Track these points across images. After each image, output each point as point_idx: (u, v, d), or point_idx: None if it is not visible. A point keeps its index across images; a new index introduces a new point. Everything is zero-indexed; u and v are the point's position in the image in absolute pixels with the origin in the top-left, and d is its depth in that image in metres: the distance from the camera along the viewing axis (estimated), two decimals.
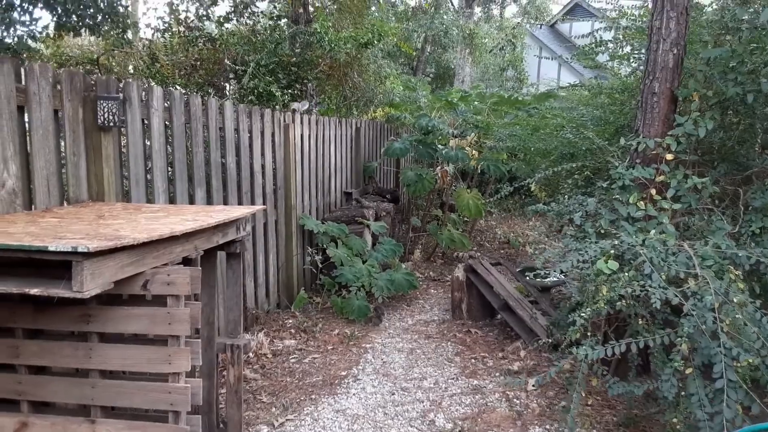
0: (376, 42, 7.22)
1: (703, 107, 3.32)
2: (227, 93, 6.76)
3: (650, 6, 3.88)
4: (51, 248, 1.80)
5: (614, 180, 3.10)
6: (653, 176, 3.09)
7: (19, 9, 4.31)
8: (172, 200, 3.99)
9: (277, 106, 6.97)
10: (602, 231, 3.12)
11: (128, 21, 5.44)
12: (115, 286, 2.02)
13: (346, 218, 6.99)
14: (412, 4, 23.79)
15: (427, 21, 22.57)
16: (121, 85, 3.41)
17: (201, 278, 2.38)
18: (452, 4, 23.05)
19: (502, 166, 7.79)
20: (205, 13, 6.64)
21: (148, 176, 3.73)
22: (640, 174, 3.08)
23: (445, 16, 24.24)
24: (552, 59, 21.35)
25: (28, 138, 2.79)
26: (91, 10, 5.14)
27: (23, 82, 2.74)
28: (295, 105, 6.54)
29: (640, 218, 3.07)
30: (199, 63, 7.27)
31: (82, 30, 5.12)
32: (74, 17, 4.85)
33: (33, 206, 2.84)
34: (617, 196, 3.13)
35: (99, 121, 3.11)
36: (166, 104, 3.88)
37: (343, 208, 7.54)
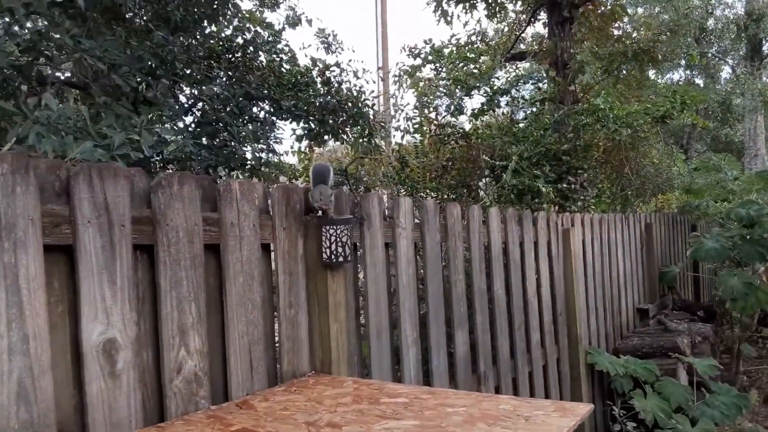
0: (676, 114, 5.54)
1: None
2: (484, 194, 5.67)
3: None
4: None
5: None
6: None
7: (260, 123, 3.88)
8: (425, 356, 2.82)
9: (544, 205, 5.63)
10: None
11: (374, 124, 4.82)
12: None
13: (649, 349, 5.11)
14: (676, 78, 21.14)
15: (697, 93, 19.55)
16: (356, 200, 2.44)
17: None
18: (731, 68, 19.75)
19: None
20: (457, 107, 5.80)
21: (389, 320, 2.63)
22: None
23: (717, 86, 20.96)
24: None
25: (222, 290, 1.87)
26: (336, 114, 4.57)
27: (221, 208, 1.86)
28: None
29: None
30: (450, 163, 6.40)
31: (326, 137, 4.61)
32: (313, 124, 4.31)
33: (228, 394, 1.87)
34: None
35: (324, 256, 2.10)
36: (416, 220, 2.82)
37: (639, 332, 5.67)
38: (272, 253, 2.06)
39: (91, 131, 2.23)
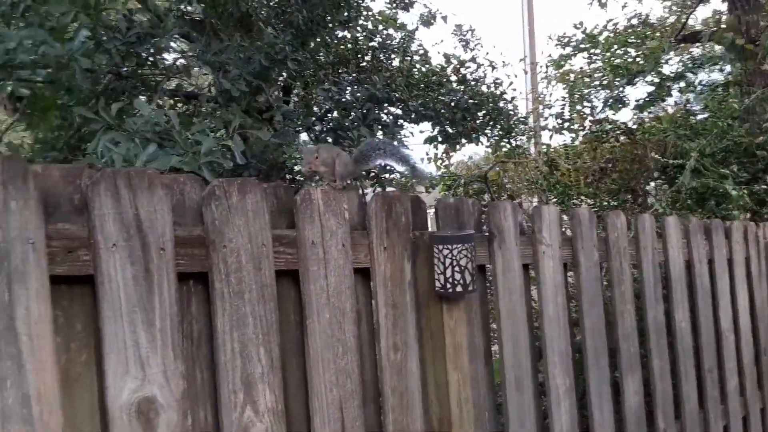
0: None
1: None
2: (654, 200, 4.77)
3: None
4: None
5: None
6: None
7: (383, 127, 3.49)
8: (583, 409, 2.18)
9: (733, 212, 4.58)
10: None
11: (517, 123, 4.21)
12: None
13: None
14: None
15: None
16: (483, 210, 1.91)
17: None
18: None
19: None
20: (617, 99, 4.97)
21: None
22: None
23: None
24: None
25: (303, 329, 1.45)
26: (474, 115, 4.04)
27: (299, 224, 1.45)
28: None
29: None
30: (610, 164, 5.53)
31: (460, 140, 4.10)
32: (446, 125, 3.83)
33: None
34: None
35: (438, 284, 1.61)
36: (565, 231, 2.22)
37: None
38: (371, 281, 1.61)
39: (177, 138, 1.96)
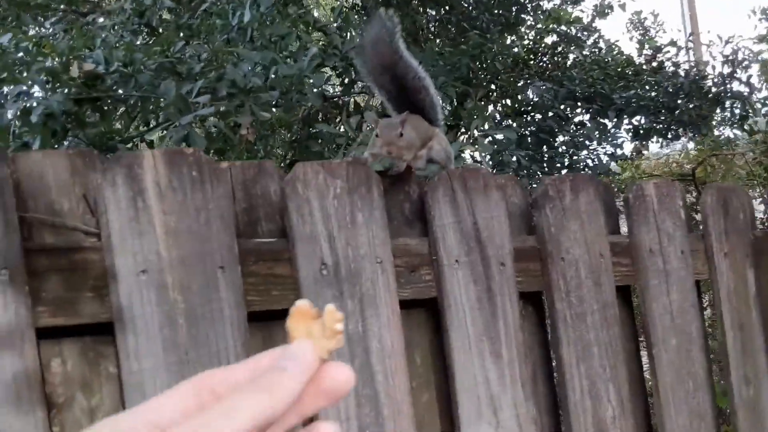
0: None
1: None
2: None
3: None
4: None
5: None
6: None
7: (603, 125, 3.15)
8: None
9: None
10: None
11: (752, 107, 3.61)
12: None
13: None
14: None
15: None
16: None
17: None
18: None
19: None
20: None
21: None
22: None
23: None
24: None
25: (652, 359, 1.16)
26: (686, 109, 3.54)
27: (632, 228, 1.17)
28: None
29: None
30: None
31: (671, 131, 3.60)
32: (660, 116, 3.37)
33: None
34: None
35: None
36: None
37: None
38: (713, 295, 1.28)
39: None
